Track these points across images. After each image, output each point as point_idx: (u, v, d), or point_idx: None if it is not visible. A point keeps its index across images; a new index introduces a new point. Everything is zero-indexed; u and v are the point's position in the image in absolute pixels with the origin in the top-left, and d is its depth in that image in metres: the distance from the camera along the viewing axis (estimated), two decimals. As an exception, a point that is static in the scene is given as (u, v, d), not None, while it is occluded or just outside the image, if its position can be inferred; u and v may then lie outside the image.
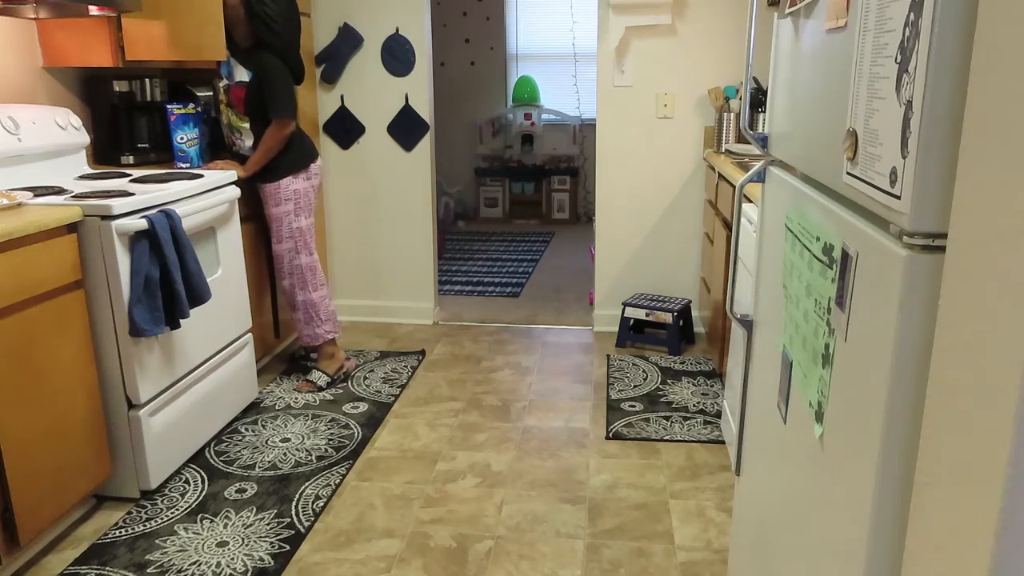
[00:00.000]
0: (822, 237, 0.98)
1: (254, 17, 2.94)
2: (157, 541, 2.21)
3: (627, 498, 2.44)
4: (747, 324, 1.54)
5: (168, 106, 3.08)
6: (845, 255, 0.88)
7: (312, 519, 2.33)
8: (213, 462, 2.66)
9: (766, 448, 1.31)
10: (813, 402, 0.99)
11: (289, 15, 3.02)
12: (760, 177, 1.50)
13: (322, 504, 2.40)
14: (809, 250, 1.04)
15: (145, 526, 2.29)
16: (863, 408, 0.79)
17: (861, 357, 0.81)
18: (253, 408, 3.09)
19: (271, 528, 2.28)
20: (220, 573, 2.07)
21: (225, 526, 2.29)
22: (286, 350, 3.76)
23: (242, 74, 3.11)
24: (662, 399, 3.16)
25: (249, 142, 3.22)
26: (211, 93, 3.58)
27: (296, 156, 3.11)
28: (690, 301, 3.83)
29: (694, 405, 3.09)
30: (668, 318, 3.66)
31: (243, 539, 2.22)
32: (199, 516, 2.34)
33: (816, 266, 1.00)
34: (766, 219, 1.45)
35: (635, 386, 3.29)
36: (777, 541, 1.19)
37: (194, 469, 2.61)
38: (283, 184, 3.09)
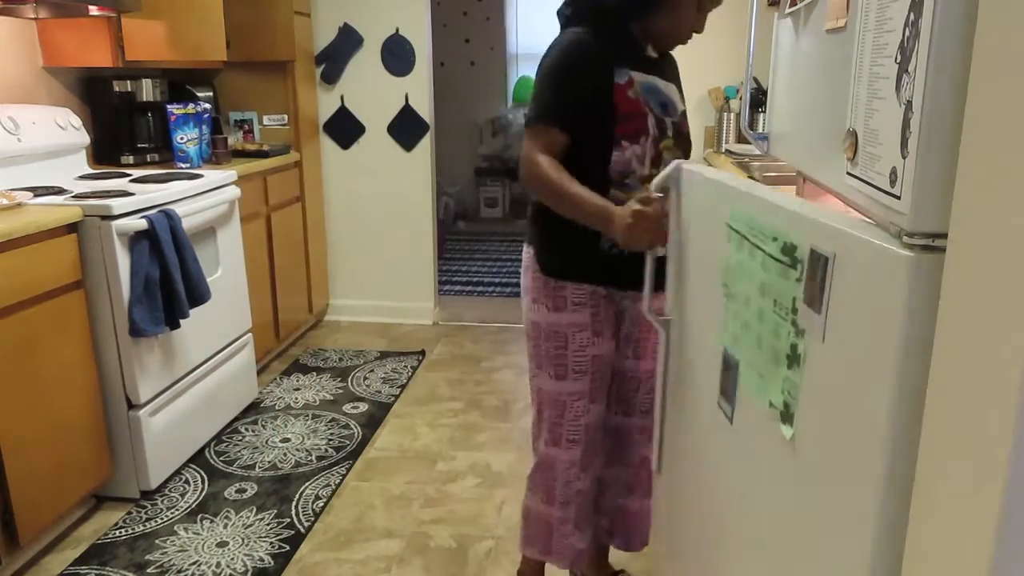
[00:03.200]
0: (780, 237, 0.96)
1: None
2: (157, 541, 2.21)
3: (627, 498, 2.43)
4: (665, 324, 1.50)
5: (168, 106, 3.08)
6: (817, 256, 0.86)
7: (312, 519, 2.33)
8: (213, 462, 2.66)
9: (707, 448, 1.29)
10: (776, 403, 0.97)
11: None
12: (676, 177, 1.41)
13: (322, 504, 2.40)
14: (763, 250, 1.01)
15: (145, 526, 2.29)
16: (853, 410, 0.78)
17: (848, 358, 0.80)
18: (253, 408, 3.09)
19: (271, 528, 2.27)
20: (220, 573, 2.07)
21: (225, 526, 2.29)
22: (286, 350, 3.75)
23: (679, 102, 1.83)
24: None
25: None
26: (211, 93, 3.58)
27: None
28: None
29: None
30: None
31: (243, 539, 2.22)
32: (199, 516, 2.34)
33: (773, 266, 0.98)
34: (687, 218, 1.40)
35: (635, 386, 3.29)
36: (730, 542, 1.16)
37: (194, 469, 2.61)
38: None
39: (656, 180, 1.44)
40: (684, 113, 1.82)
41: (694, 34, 1.69)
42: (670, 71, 1.80)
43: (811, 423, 0.88)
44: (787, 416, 0.94)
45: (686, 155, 1.78)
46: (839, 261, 0.82)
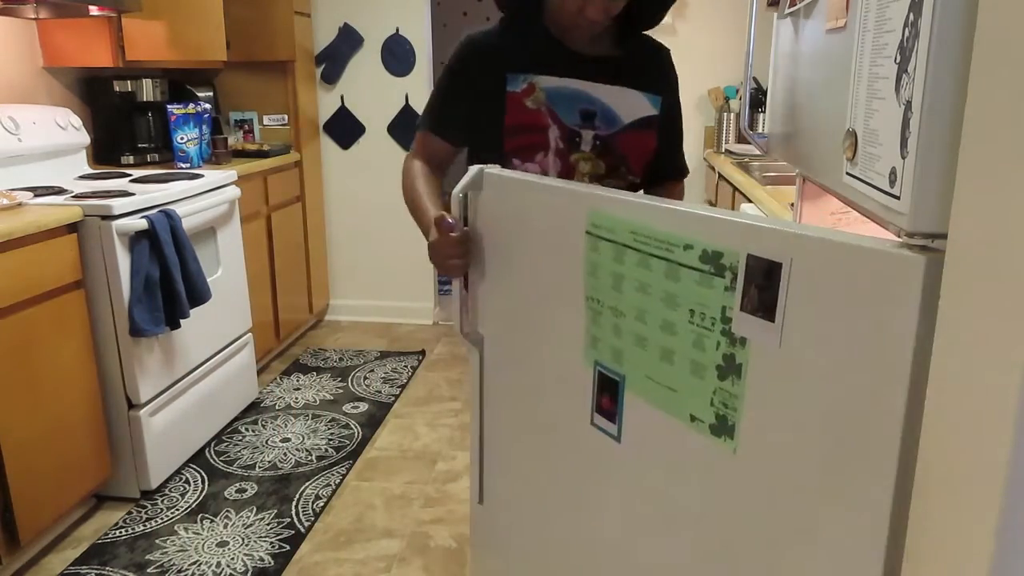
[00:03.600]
0: (697, 245, 0.93)
1: None
2: (157, 541, 2.21)
3: (627, 498, 2.43)
4: (479, 343, 1.38)
5: (168, 106, 3.08)
6: (760, 262, 0.84)
7: (312, 519, 2.33)
8: (213, 462, 2.66)
9: (574, 470, 1.21)
10: (702, 416, 0.95)
11: None
12: (477, 183, 1.29)
13: (322, 504, 2.40)
14: (667, 260, 0.98)
15: (145, 526, 2.29)
16: (839, 414, 0.78)
17: (825, 364, 0.79)
18: (253, 408, 3.09)
19: (271, 528, 2.28)
20: (220, 573, 2.07)
21: (225, 526, 2.29)
22: (286, 350, 3.75)
23: (632, 109, 1.47)
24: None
25: None
26: (211, 93, 3.57)
27: None
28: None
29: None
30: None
31: (243, 539, 2.22)
32: (199, 516, 2.34)
33: (688, 275, 0.95)
34: (504, 228, 1.27)
35: (635, 386, 3.29)
36: (621, 561, 1.13)
37: (194, 469, 2.61)
38: None
39: (454, 192, 1.29)
40: (642, 123, 1.47)
41: (595, 21, 1.37)
42: (633, 75, 1.46)
43: (766, 433, 0.87)
44: (725, 428, 0.92)
45: (611, 172, 1.48)
46: (796, 266, 0.81)
